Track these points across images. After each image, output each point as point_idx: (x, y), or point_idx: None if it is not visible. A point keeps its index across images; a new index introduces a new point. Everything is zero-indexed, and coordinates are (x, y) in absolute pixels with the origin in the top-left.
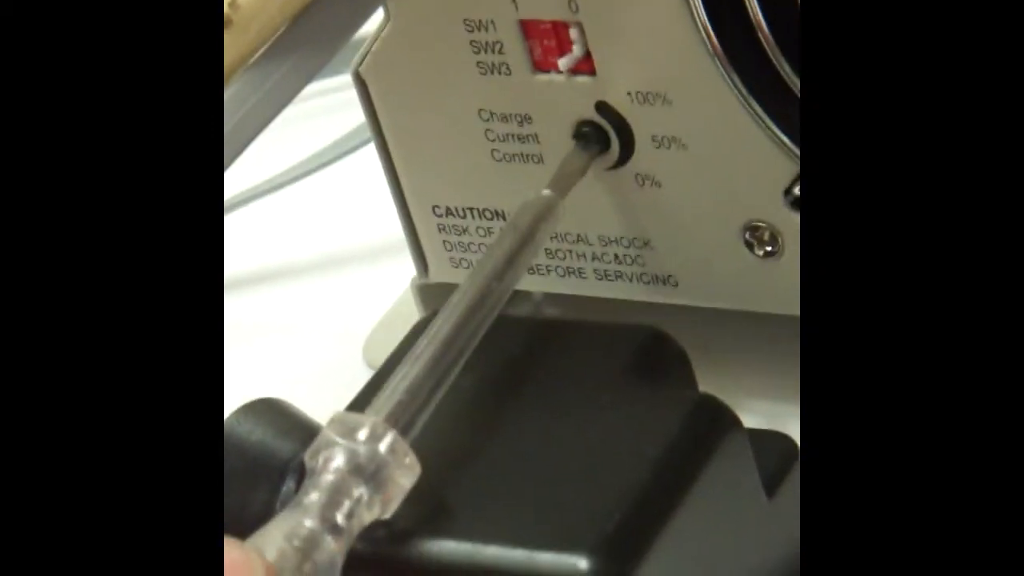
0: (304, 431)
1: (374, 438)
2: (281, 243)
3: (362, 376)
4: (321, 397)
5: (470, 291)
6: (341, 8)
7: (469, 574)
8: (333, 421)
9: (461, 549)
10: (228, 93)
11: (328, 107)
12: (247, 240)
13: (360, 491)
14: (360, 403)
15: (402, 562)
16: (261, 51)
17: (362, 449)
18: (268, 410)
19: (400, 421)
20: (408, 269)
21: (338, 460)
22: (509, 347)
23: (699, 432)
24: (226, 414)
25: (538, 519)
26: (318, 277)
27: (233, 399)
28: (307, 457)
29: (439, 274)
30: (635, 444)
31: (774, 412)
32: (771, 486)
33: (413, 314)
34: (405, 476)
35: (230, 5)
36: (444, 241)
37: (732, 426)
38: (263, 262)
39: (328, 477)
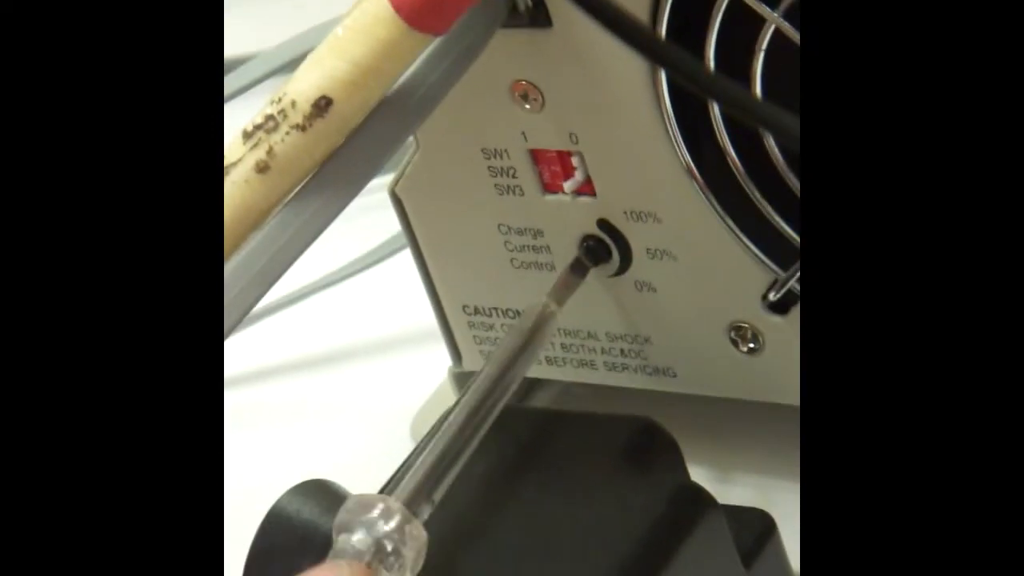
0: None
1: (391, 518)
2: (339, 332)
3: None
4: (377, 473)
5: (478, 388)
6: (366, 150)
7: None
8: (353, 500)
9: None
10: (264, 231)
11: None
12: (307, 329)
13: (378, 565)
14: (391, 485)
15: None
16: (294, 192)
17: (380, 528)
18: (317, 490)
19: (414, 503)
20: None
21: (360, 536)
22: (514, 435)
23: (679, 513)
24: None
25: None
26: (372, 362)
27: (294, 476)
28: (334, 534)
29: (471, 363)
30: (621, 525)
31: (760, 485)
32: (749, 558)
33: (453, 398)
34: (417, 553)
35: (267, 153)
36: (474, 335)
37: (709, 507)
38: (325, 348)
39: (351, 549)
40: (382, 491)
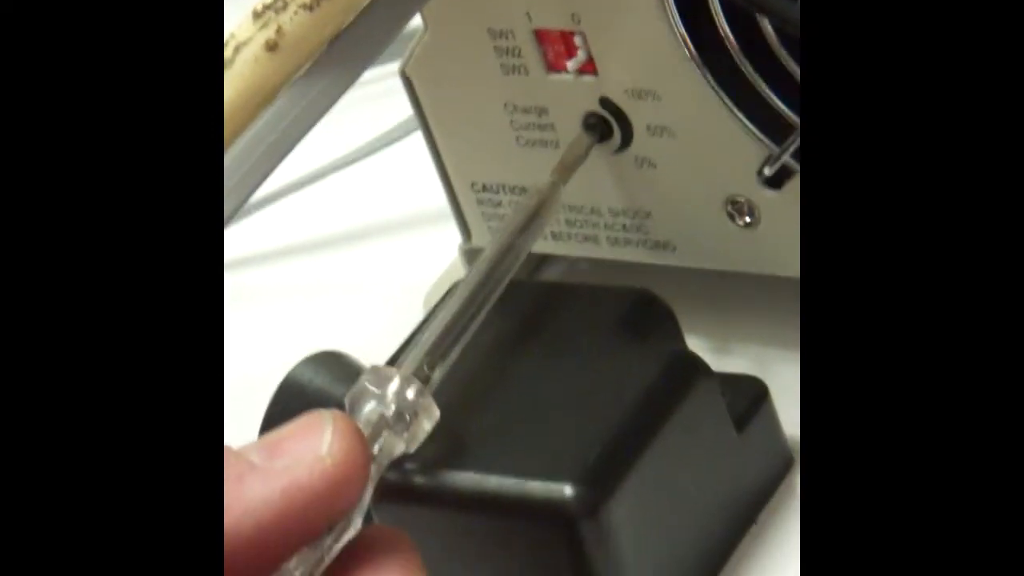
0: (359, 376)
1: (403, 388)
2: (353, 213)
3: None
4: (390, 346)
5: (483, 264)
6: (373, 30)
7: (476, 499)
8: (369, 372)
9: (470, 479)
10: (274, 107)
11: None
12: (323, 210)
13: (389, 432)
14: (401, 354)
15: (422, 490)
16: (303, 70)
17: (392, 397)
18: (328, 360)
19: (424, 373)
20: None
21: (372, 405)
22: (519, 307)
23: (673, 380)
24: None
25: (533, 453)
26: (386, 241)
27: (310, 349)
28: (347, 401)
29: (480, 239)
30: (618, 391)
31: (756, 354)
32: (741, 422)
33: (464, 273)
34: (426, 420)
35: (276, 32)
36: (482, 212)
37: (703, 374)
38: (340, 228)
39: (363, 419)
40: (392, 362)
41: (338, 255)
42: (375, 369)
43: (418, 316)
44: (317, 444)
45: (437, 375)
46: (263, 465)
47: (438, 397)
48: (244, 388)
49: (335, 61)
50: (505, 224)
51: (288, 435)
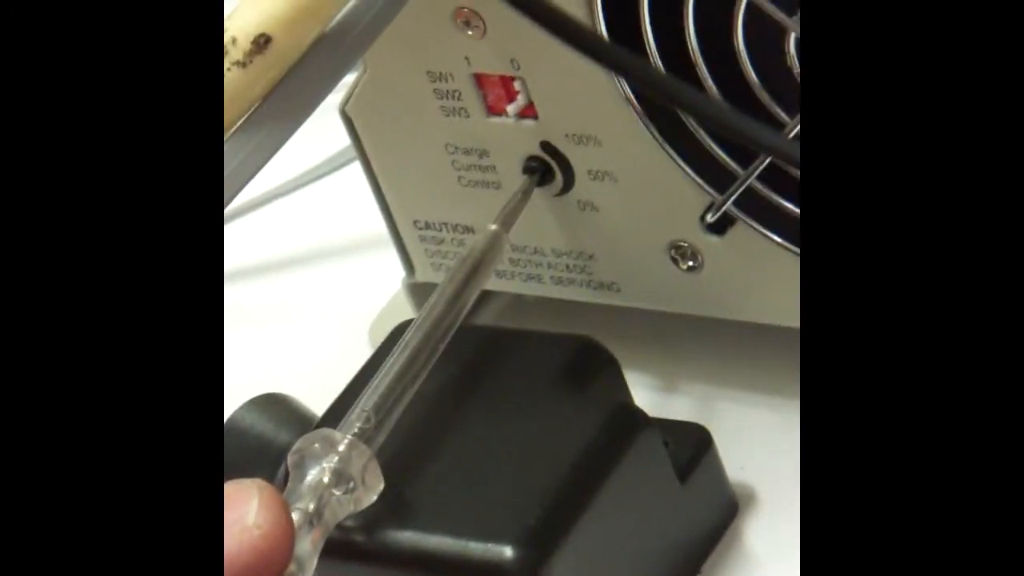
0: (302, 422)
1: (348, 454)
2: (297, 239)
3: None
4: (336, 379)
5: (428, 316)
6: (305, 88)
7: (417, 559)
8: (314, 434)
9: (411, 538)
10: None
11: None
12: (265, 236)
13: (336, 496)
14: (344, 401)
15: (364, 548)
16: (236, 126)
17: (338, 463)
18: (270, 404)
19: (369, 431)
20: None
21: (318, 471)
22: (464, 354)
23: (615, 432)
24: (244, 399)
25: (474, 512)
26: (330, 269)
27: (254, 381)
28: (291, 460)
29: (423, 275)
30: (560, 445)
31: (702, 395)
32: (685, 472)
33: (408, 306)
34: (372, 487)
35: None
36: (425, 249)
37: (644, 427)
38: (284, 255)
39: (310, 483)
40: (336, 409)
41: (280, 283)
42: (321, 431)
43: (363, 347)
44: (244, 515)
45: (382, 434)
46: None
47: (382, 449)
48: None
49: (268, 116)
50: (450, 274)
51: None
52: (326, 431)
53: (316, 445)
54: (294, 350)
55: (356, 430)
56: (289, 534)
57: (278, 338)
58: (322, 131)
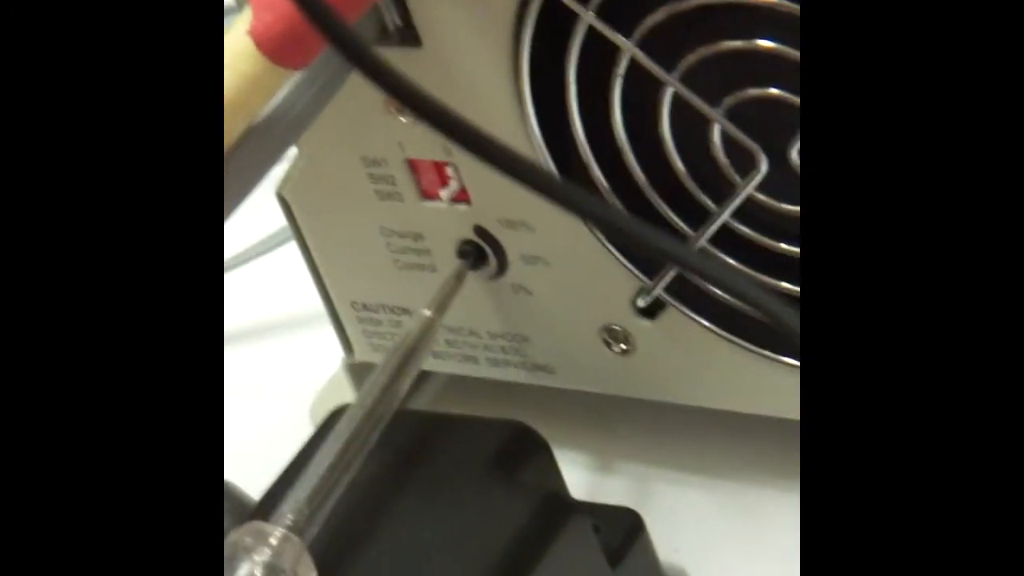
0: (238, 508)
1: (281, 548)
2: (235, 316)
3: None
4: (275, 458)
5: (359, 407)
6: (231, 182)
7: None
8: (245, 528)
9: None
10: None
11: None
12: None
13: None
14: (280, 487)
15: None
16: None
17: (269, 558)
18: None
19: (302, 523)
20: None
21: (249, 565)
22: (397, 440)
23: (545, 520)
24: None
25: None
26: (268, 344)
27: None
28: (225, 559)
29: (362, 354)
30: (491, 532)
31: (636, 475)
32: (616, 557)
33: (349, 385)
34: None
35: None
36: (363, 329)
37: (574, 514)
38: (228, 329)
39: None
40: (270, 498)
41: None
42: (253, 524)
43: (304, 425)
44: None
45: (316, 525)
46: None
47: (318, 546)
48: None
49: None
50: (383, 362)
51: None
52: (258, 524)
53: (248, 538)
54: (234, 428)
55: (289, 522)
56: None
57: (233, 408)
58: (261, 209)
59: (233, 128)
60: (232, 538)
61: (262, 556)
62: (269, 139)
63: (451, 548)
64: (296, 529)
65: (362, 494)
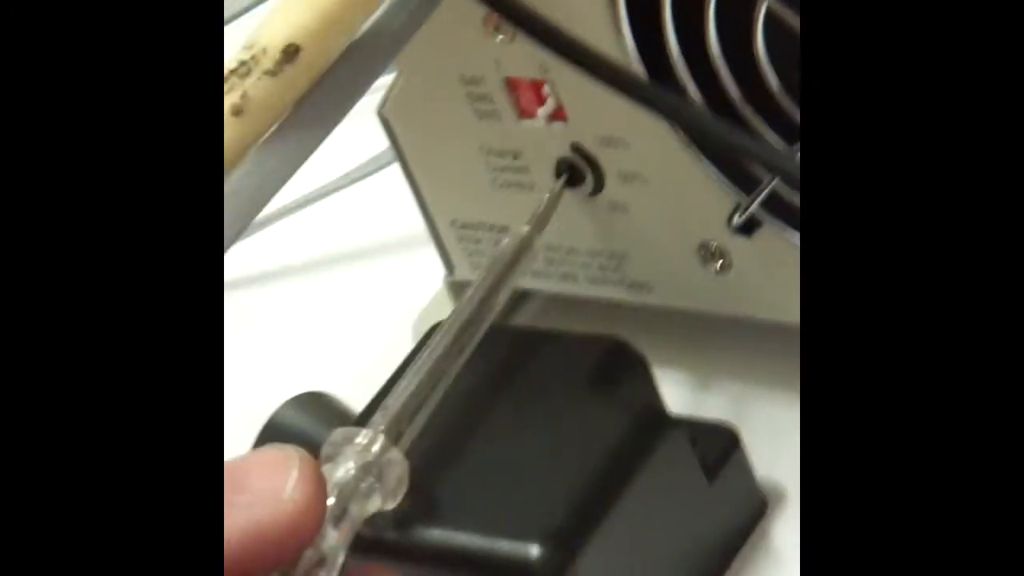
0: (341, 419)
1: (371, 445)
2: (339, 240)
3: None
4: (380, 377)
5: (458, 316)
6: (333, 97)
7: (444, 556)
8: (339, 430)
9: (439, 535)
10: (238, 171)
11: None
12: (308, 237)
13: (362, 489)
14: (380, 399)
15: (391, 544)
16: (268, 133)
17: (362, 455)
18: (311, 402)
19: (397, 428)
20: None
21: (348, 466)
22: (494, 355)
23: (643, 433)
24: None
25: (502, 510)
26: (373, 267)
27: (302, 380)
28: (323, 459)
29: (463, 273)
30: (588, 444)
31: (733, 394)
32: (712, 471)
33: (450, 303)
34: (397, 477)
35: (241, 97)
36: (463, 247)
37: (671, 427)
38: (326, 255)
39: (339, 478)
40: (370, 411)
41: (325, 282)
42: (352, 429)
43: (407, 343)
44: (281, 485)
45: (411, 430)
46: (226, 498)
47: (413, 453)
48: (228, 418)
49: (298, 125)
50: (480, 276)
51: (254, 470)
52: (357, 429)
53: (347, 442)
54: (339, 348)
55: (385, 428)
56: (321, 513)
57: (323, 337)
58: (365, 133)
59: (334, 45)
60: (332, 439)
61: (360, 459)
62: (369, 55)
63: (547, 459)
64: (392, 435)
65: (458, 407)
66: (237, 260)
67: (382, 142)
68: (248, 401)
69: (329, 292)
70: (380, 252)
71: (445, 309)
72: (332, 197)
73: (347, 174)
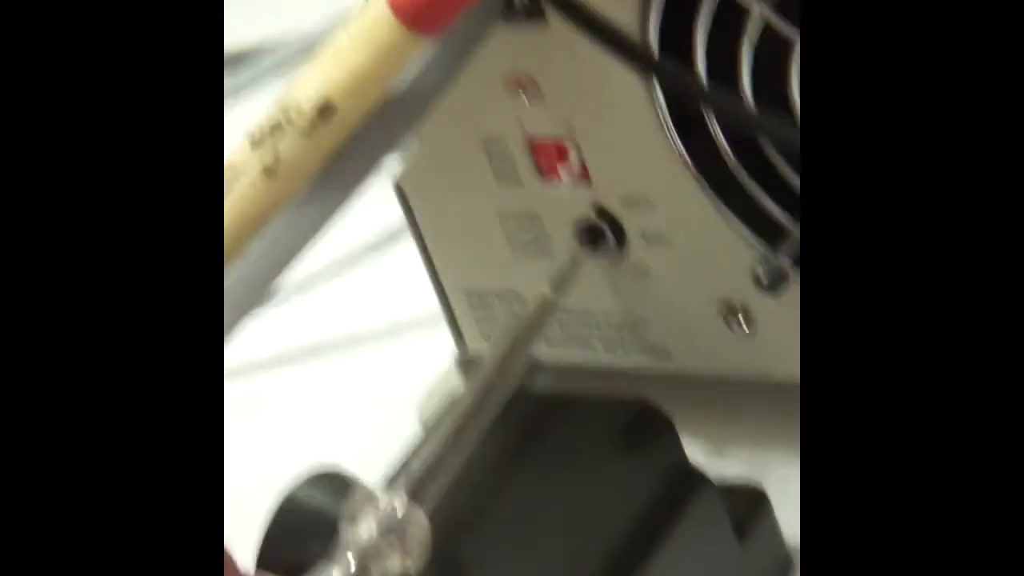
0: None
1: (395, 507)
2: (344, 320)
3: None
4: (387, 458)
5: (479, 382)
6: (366, 155)
7: None
8: (359, 492)
9: None
10: (270, 232)
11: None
12: (313, 318)
13: (383, 550)
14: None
15: None
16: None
17: (385, 517)
18: (327, 478)
19: (419, 492)
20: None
21: (367, 525)
22: (518, 420)
23: (674, 493)
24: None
25: (530, 574)
26: (378, 348)
27: (305, 462)
28: (345, 520)
29: (474, 345)
30: (617, 507)
31: (754, 458)
32: (742, 531)
33: (458, 382)
34: (423, 547)
35: (274, 158)
36: (476, 318)
37: (704, 486)
38: (331, 335)
39: (360, 538)
40: (388, 480)
41: (329, 363)
42: (366, 490)
43: (413, 425)
44: None
45: (433, 492)
46: None
47: (436, 516)
48: (237, 500)
49: (330, 184)
50: (501, 338)
51: None
52: (378, 491)
53: (368, 502)
54: (346, 427)
55: (407, 489)
56: None
57: (329, 416)
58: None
59: (370, 101)
60: (353, 500)
61: (377, 517)
62: (400, 114)
63: (576, 521)
64: (410, 494)
65: (484, 470)
66: (238, 345)
67: (384, 215)
68: (253, 480)
69: (330, 374)
70: (381, 335)
71: (452, 387)
72: (333, 281)
73: (346, 257)
